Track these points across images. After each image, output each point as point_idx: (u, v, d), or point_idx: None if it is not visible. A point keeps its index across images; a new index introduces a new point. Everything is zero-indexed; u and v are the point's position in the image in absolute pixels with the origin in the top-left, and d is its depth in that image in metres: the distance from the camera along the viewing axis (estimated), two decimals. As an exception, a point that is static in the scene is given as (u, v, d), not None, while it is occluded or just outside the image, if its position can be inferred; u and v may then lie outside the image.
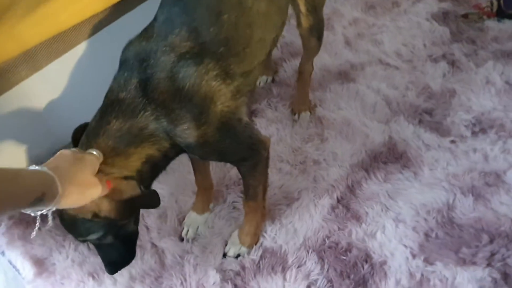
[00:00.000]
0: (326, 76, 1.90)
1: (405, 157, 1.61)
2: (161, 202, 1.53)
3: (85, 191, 0.87)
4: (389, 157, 1.61)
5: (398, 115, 1.73)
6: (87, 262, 1.47)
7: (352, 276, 1.36)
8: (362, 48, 2.03)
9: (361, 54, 2.00)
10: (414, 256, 1.38)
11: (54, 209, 0.79)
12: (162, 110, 1.04)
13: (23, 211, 0.75)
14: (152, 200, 1.06)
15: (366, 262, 1.38)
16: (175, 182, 1.61)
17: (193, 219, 1.52)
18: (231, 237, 1.46)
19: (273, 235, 1.46)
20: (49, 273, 1.45)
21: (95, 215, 0.99)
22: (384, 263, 1.38)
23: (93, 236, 1.05)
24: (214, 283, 1.38)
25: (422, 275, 1.34)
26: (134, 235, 1.17)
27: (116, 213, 1.00)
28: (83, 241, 1.11)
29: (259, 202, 1.38)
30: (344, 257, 1.39)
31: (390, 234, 1.43)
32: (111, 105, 1.05)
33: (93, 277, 1.43)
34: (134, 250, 1.19)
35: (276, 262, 1.41)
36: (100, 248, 1.13)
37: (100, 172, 0.97)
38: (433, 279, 1.33)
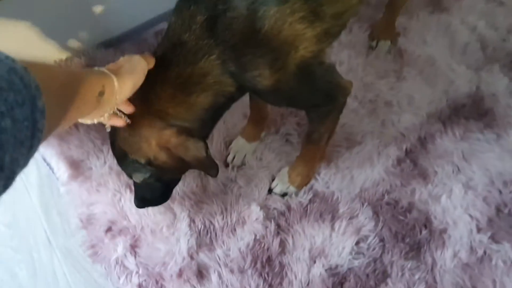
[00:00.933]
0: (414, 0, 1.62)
1: (491, 115, 1.40)
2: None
3: (135, 69, 0.84)
4: (472, 112, 1.40)
5: (492, 63, 1.48)
6: (124, 172, 1.37)
7: (407, 240, 1.24)
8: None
9: (461, -23, 1.68)
10: (479, 230, 1.24)
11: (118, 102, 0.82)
12: (231, 54, 0.86)
13: (86, 118, 0.80)
14: (211, 170, 0.98)
15: (425, 227, 1.26)
16: (226, 99, 1.45)
17: (241, 145, 1.38)
18: (280, 174, 1.34)
19: (327, 179, 1.33)
20: (85, 178, 1.37)
21: (149, 161, 0.93)
22: (444, 231, 1.25)
23: (137, 176, 1.00)
24: (256, 219, 1.29)
25: (485, 252, 1.22)
26: (175, 182, 1.15)
27: (170, 167, 0.94)
28: (128, 175, 1.03)
29: (321, 146, 1.22)
30: (402, 218, 1.27)
31: (456, 200, 1.29)
32: (172, 48, 0.89)
33: (131, 189, 1.34)
34: (169, 195, 1.17)
35: (326, 209, 1.30)
36: (138, 183, 1.06)
37: (161, 120, 0.90)
38: (496, 259, 1.21)
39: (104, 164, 1.38)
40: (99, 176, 1.37)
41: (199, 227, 1.30)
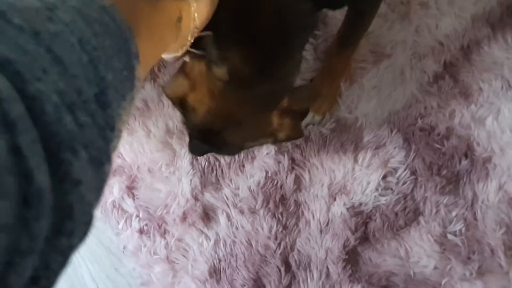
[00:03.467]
0: None
1: (554, 12, 1.13)
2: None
3: None
4: (530, 10, 1.13)
5: None
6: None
7: (444, 172, 1.06)
8: None
9: None
10: (531, 157, 1.05)
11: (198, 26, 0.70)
12: None
13: (169, 52, 0.69)
14: None
15: (466, 156, 1.07)
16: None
17: (248, 66, 1.18)
18: (297, 103, 1.14)
19: (349, 103, 1.12)
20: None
21: (275, 138, 0.84)
22: (488, 160, 1.06)
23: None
24: (267, 154, 1.12)
25: (537, 184, 1.04)
26: None
27: (295, 133, 0.84)
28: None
29: (351, 54, 1.04)
30: (438, 146, 1.08)
31: (505, 122, 1.07)
32: None
33: (122, 124, 1.18)
34: None
35: (348, 138, 1.11)
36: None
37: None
38: (550, 191, 1.03)
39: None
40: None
41: (203, 164, 1.14)
